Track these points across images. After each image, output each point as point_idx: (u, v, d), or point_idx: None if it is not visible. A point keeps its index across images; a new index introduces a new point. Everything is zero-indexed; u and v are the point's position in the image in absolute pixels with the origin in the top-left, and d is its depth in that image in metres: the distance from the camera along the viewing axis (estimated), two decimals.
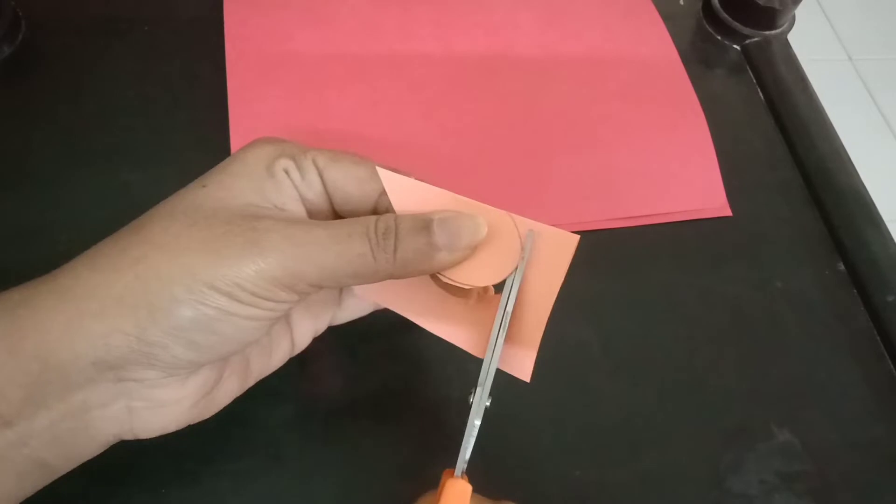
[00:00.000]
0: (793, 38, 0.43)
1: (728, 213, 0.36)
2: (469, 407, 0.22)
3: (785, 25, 0.43)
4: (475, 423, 0.22)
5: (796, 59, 0.42)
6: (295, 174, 0.23)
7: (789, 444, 0.29)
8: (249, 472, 0.26)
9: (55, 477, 0.22)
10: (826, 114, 0.40)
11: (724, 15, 0.42)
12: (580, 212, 0.34)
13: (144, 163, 0.33)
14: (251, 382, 0.25)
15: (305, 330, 0.26)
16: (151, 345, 0.20)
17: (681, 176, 0.36)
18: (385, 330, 0.30)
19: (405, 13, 0.40)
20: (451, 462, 0.22)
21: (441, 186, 0.23)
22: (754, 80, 0.42)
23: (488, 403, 0.22)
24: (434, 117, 0.36)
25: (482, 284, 0.23)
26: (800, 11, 0.43)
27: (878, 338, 0.33)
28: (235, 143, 0.33)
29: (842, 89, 1.38)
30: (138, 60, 0.37)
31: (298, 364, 0.29)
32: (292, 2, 0.39)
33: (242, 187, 0.22)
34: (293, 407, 0.28)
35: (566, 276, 0.23)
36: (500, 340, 0.22)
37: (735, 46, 0.43)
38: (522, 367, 0.23)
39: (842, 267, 0.35)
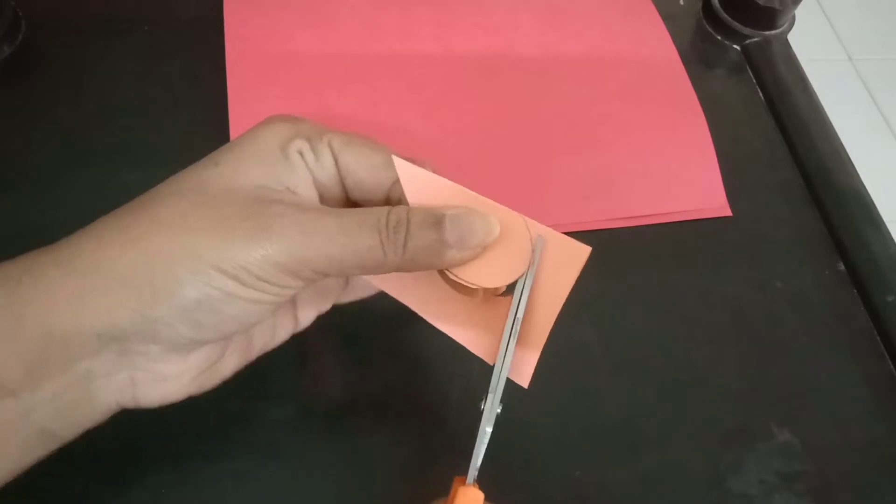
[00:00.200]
0: (793, 38, 0.43)
1: (728, 213, 0.36)
2: (480, 414, 0.22)
3: (785, 25, 0.43)
4: (487, 430, 0.21)
5: (796, 59, 0.42)
6: (309, 156, 0.23)
7: (789, 444, 0.29)
8: (249, 471, 0.26)
9: (59, 445, 0.22)
10: (826, 114, 0.40)
11: (724, 15, 0.42)
12: (580, 212, 0.34)
13: (144, 163, 0.33)
14: (253, 357, 0.25)
15: (310, 309, 0.26)
16: (154, 321, 0.20)
17: (681, 176, 0.36)
18: (385, 330, 0.30)
19: (405, 13, 0.40)
20: (452, 463, 0.22)
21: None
22: (754, 80, 0.42)
23: (499, 410, 0.22)
24: (434, 117, 0.36)
25: (489, 286, 0.22)
26: (800, 11, 0.43)
27: (878, 338, 0.33)
28: None
29: (842, 89, 1.38)
30: (138, 60, 0.37)
31: (298, 364, 0.29)
32: (292, 2, 0.39)
33: (254, 167, 0.22)
34: (293, 406, 0.28)
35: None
36: (512, 346, 0.22)
37: (735, 46, 0.43)
38: (521, 373, 0.23)
39: (842, 267, 0.35)
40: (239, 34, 0.37)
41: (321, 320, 0.30)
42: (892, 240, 0.35)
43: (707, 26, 0.43)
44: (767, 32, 0.42)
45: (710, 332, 0.32)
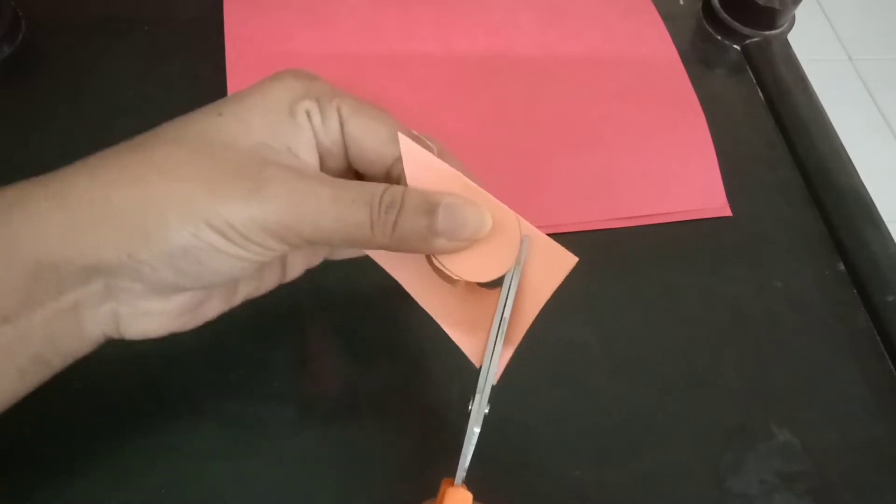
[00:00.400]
0: (793, 38, 0.43)
1: (728, 213, 0.36)
2: (468, 414, 0.22)
3: (785, 25, 0.43)
4: (475, 430, 0.21)
5: (796, 59, 0.42)
6: (316, 118, 0.22)
7: (789, 444, 0.29)
8: (249, 471, 0.26)
9: (53, 373, 0.22)
10: (826, 114, 0.40)
11: (724, 15, 0.42)
12: (580, 212, 0.34)
13: None
14: (237, 303, 0.25)
15: (300, 262, 0.26)
16: (140, 263, 0.20)
17: (681, 176, 0.36)
18: (385, 330, 0.30)
19: (405, 13, 0.40)
20: (452, 464, 0.22)
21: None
22: (754, 80, 0.42)
23: (487, 410, 0.22)
24: (434, 117, 0.36)
25: (470, 279, 0.22)
26: (800, 11, 0.43)
27: (878, 338, 0.33)
28: None
29: (842, 89, 1.38)
30: (138, 60, 0.37)
31: (298, 364, 0.29)
32: (292, 2, 0.39)
33: (258, 123, 0.22)
34: (293, 407, 0.28)
35: (565, 280, 0.23)
36: (499, 346, 0.22)
37: (735, 46, 0.43)
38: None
39: (842, 267, 0.35)
40: (239, 34, 0.37)
41: (322, 320, 0.30)
42: (892, 240, 0.35)
43: (707, 26, 0.43)
44: (767, 32, 0.42)
45: (710, 332, 0.32)
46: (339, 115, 0.23)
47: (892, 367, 0.32)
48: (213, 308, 0.24)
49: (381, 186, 0.21)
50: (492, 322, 0.23)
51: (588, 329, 0.31)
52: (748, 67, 0.42)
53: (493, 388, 0.23)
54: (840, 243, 0.35)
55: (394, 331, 0.30)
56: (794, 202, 0.37)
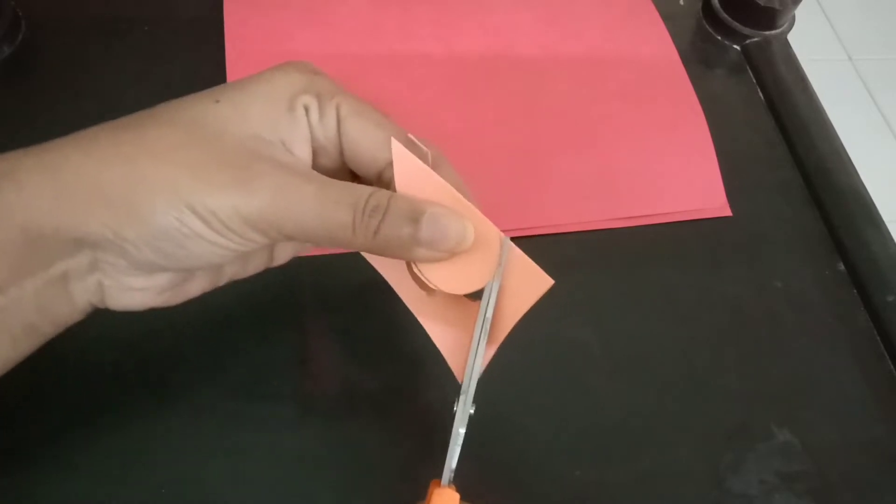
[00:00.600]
0: (793, 38, 0.43)
1: (728, 213, 0.36)
2: (453, 415, 0.22)
3: (785, 25, 0.43)
4: (460, 431, 0.21)
5: (796, 59, 0.42)
6: (314, 114, 0.23)
7: (789, 444, 0.29)
8: (249, 471, 0.26)
9: (44, 340, 0.22)
10: (826, 114, 0.40)
11: (724, 15, 0.42)
12: (580, 212, 0.34)
13: None
14: (222, 283, 0.25)
15: (287, 249, 0.26)
16: (124, 241, 0.20)
17: (681, 176, 0.36)
18: (385, 330, 0.30)
19: (405, 13, 0.40)
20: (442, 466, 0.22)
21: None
22: (754, 81, 0.42)
23: (472, 411, 0.22)
24: (434, 117, 0.36)
25: (446, 290, 0.23)
26: (800, 11, 0.43)
27: (878, 338, 0.33)
28: None
29: (842, 89, 1.38)
30: (138, 61, 0.37)
31: (298, 364, 0.29)
32: (292, 2, 0.39)
33: (255, 113, 0.22)
34: (293, 406, 0.28)
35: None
36: (482, 348, 0.22)
37: (735, 46, 0.43)
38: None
39: (842, 267, 0.35)
40: (239, 34, 0.37)
41: (322, 320, 0.30)
42: (892, 240, 0.35)
43: (707, 26, 0.43)
44: (767, 32, 0.42)
45: (710, 332, 0.32)
46: (338, 114, 0.23)
47: (892, 367, 0.32)
48: (197, 287, 0.24)
49: (367, 190, 0.21)
50: (471, 328, 0.23)
51: (588, 329, 0.31)
52: (748, 67, 0.42)
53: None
54: (840, 243, 0.35)
55: (394, 331, 0.30)
56: (794, 202, 0.37)
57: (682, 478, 0.28)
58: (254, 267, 0.26)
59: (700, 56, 0.42)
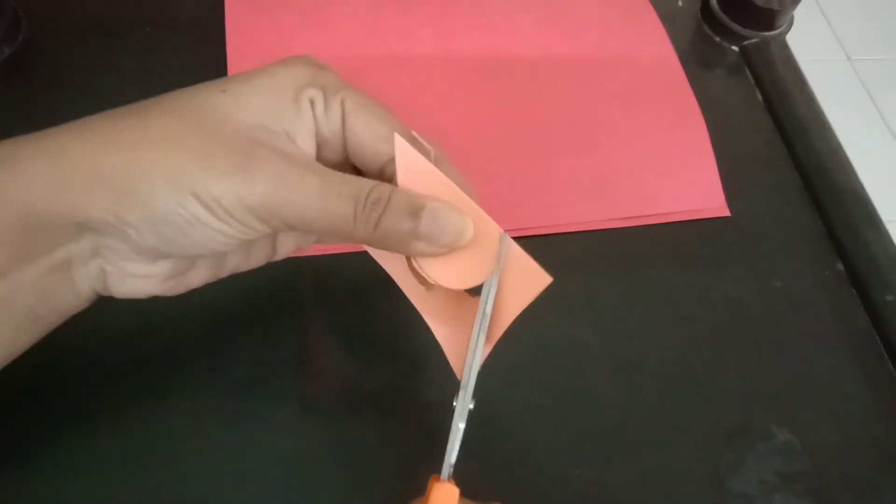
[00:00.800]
0: (791, 38, 0.43)
1: (726, 213, 0.36)
2: (453, 410, 0.22)
3: (783, 26, 0.43)
4: (459, 426, 0.22)
5: (795, 59, 0.42)
6: (319, 107, 0.23)
7: (789, 444, 0.29)
8: (249, 471, 0.26)
9: (48, 329, 0.22)
10: (825, 114, 0.40)
11: (723, 16, 0.42)
12: (580, 212, 0.34)
13: None
14: (224, 275, 0.25)
15: (290, 242, 0.26)
16: (126, 225, 0.20)
17: (679, 176, 0.37)
18: (385, 330, 0.30)
19: (405, 14, 0.40)
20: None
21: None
22: (753, 81, 0.42)
23: (472, 406, 0.22)
24: (434, 118, 0.36)
25: (444, 284, 0.23)
26: (799, 12, 0.43)
27: (878, 338, 0.33)
28: None
29: (841, 89, 1.38)
30: (138, 60, 0.37)
31: (298, 364, 0.29)
32: (293, 2, 0.39)
33: (260, 104, 0.22)
34: (293, 407, 0.28)
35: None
36: (481, 343, 0.22)
37: (733, 47, 0.43)
38: (462, 371, 0.24)
39: (841, 267, 0.35)
40: (239, 34, 0.37)
41: (322, 320, 0.30)
42: (892, 240, 0.35)
43: (706, 27, 0.43)
44: (766, 33, 0.42)
45: (710, 332, 0.32)
46: (342, 108, 0.23)
47: (892, 367, 0.32)
48: (199, 277, 0.24)
49: (369, 183, 0.22)
50: (471, 323, 0.23)
51: (588, 329, 0.31)
52: (747, 68, 0.42)
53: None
54: (839, 243, 0.35)
55: (394, 331, 0.30)
56: (793, 202, 0.37)
57: (682, 478, 0.28)
58: (256, 259, 0.26)
59: (699, 57, 0.42)
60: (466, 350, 0.23)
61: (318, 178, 0.21)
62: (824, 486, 0.28)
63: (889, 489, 0.29)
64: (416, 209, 0.21)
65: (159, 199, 0.20)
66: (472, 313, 0.23)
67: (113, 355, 0.28)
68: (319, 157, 0.24)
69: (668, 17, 0.42)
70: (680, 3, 0.45)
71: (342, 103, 0.23)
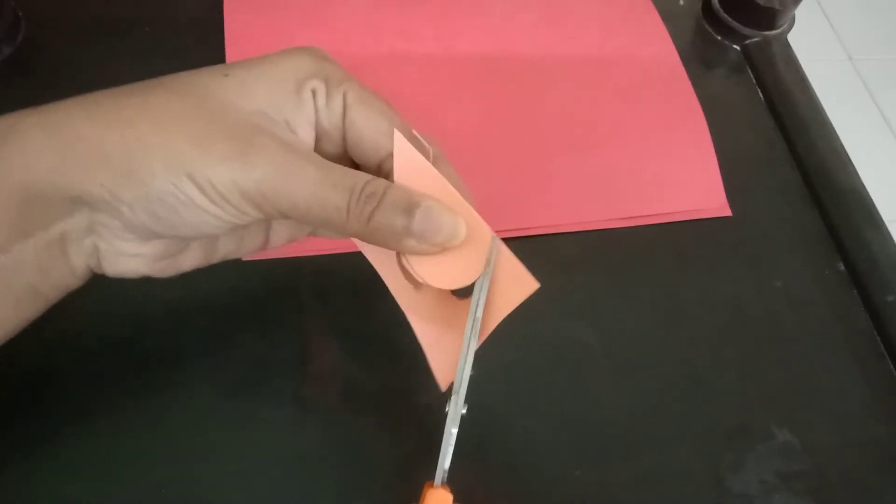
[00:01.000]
0: (793, 38, 0.43)
1: (728, 213, 0.36)
2: (445, 416, 0.22)
3: (785, 26, 0.43)
4: (452, 431, 0.22)
5: (796, 59, 0.42)
6: (321, 98, 0.23)
7: (789, 444, 0.29)
8: (249, 471, 0.26)
9: (47, 305, 0.22)
10: (826, 114, 0.40)
11: (724, 15, 0.42)
12: (580, 212, 0.34)
13: None
14: (215, 261, 0.25)
15: (284, 232, 0.26)
16: (120, 202, 0.20)
17: (680, 176, 0.36)
18: (385, 330, 0.30)
19: (405, 14, 0.40)
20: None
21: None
22: (754, 81, 0.42)
23: (464, 411, 0.22)
24: (434, 117, 0.36)
25: (433, 284, 0.23)
26: (800, 11, 0.43)
27: (878, 338, 0.33)
28: None
29: (842, 89, 1.38)
30: (138, 61, 0.37)
31: (298, 364, 0.29)
32: (292, 2, 0.39)
33: (262, 92, 0.22)
34: (293, 407, 0.28)
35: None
36: (473, 347, 0.22)
37: (735, 47, 0.43)
38: (444, 376, 0.24)
39: (842, 267, 0.35)
40: (239, 34, 0.37)
41: (322, 320, 0.30)
42: (892, 240, 0.35)
43: (707, 26, 0.43)
44: (767, 33, 0.42)
45: (710, 332, 0.32)
46: (344, 100, 0.23)
47: (892, 367, 0.32)
48: (191, 260, 0.25)
49: (365, 176, 0.22)
50: (454, 325, 0.23)
51: (588, 329, 0.31)
52: (748, 68, 0.42)
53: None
54: (840, 243, 0.35)
55: (394, 331, 0.30)
56: (794, 202, 0.37)
57: (682, 478, 0.28)
58: (248, 246, 0.26)
59: (700, 56, 0.42)
60: (447, 352, 0.23)
61: (315, 167, 0.21)
62: (824, 486, 0.28)
63: (889, 489, 0.29)
64: (410, 206, 0.22)
65: (155, 179, 0.20)
66: (457, 315, 0.23)
67: (113, 355, 0.28)
68: (318, 149, 0.24)
69: (669, 16, 0.42)
70: (681, 2, 0.45)
71: (344, 96, 0.23)
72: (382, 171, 0.23)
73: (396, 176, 0.23)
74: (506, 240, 0.23)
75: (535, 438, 0.28)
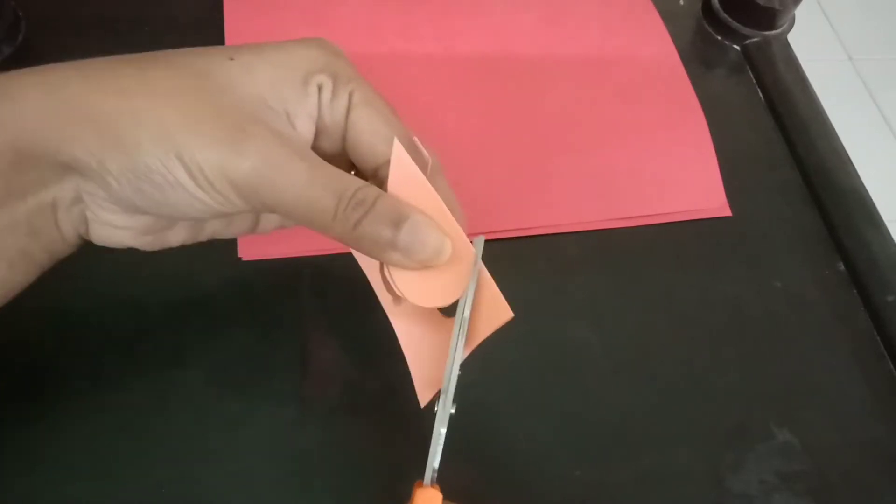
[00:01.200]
0: (793, 38, 0.43)
1: (728, 213, 0.36)
2: (434, 415, 0.22)
3: (785, 26, 0.43)
4: (441, 431, 0.21)
5: (796, 59, 0.42)
6: (326, 94, 0.22)
7: (789, 444, 0.29)
8: (249, 471, 0.26)
9: (39, 271, 0.22)
10: (826, 114, 0.40)
11: (724, 15, 0.42)
12: (580, 212, 0.34)
13: None
14: (202, 239, 0.25)
15: (273, 219, 0.26)
16: (107, 172, 0.20)
17: (680, 176, 0.36)
18: (385, 330, 0.30)
19: (405, 14, 0.40)
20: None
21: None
22: (754, 81, 0.42)
23: (453, 410, 0.22)
24: (434, 118, 0.36)
25: (411, 300, 0.23)
26: (800, 11, 0.43)
27: (878, 338, 0.33)
28: None
29: (842, 89, 1.38)
30: None
31: (298, 364, 0.29)
32: (292, 2, 0.39)
33: (266, 79, 0.22)
34: (293, 407, 0.28)
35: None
36: (460, 347, 0.22)
37: (735, 46, 0.43)
38: (423, 394, 0.24)
39: (842, 267, 0.35)
40: (239, 34, 0.37)
41: (322, 320, 0.30)
42: (892, 240, 0.35)
43: (707, 26, 0.43)
44: (767, 33, 0.42)
45: (710, 332, 0.32)
46: (350, 100, 0.23)
47: (892, 367, 0.32)
48: (177, 237, 0.24)
49: (357, 182, 0.21)
50: (436, 339, 0.23)
51: (588, 329, 0.31)
52: (748, 68, 0.42)
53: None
54: (840, 243, 0.35)
55: (394, 331, 0.30)
56: (794, 202, 0.37)
57: (682, 478, 0.28)
58: (236, 229, 0.25)
59: (700, 56, 0.42)
60: (430, 362, 0.23)
61: (307, 165, 0.21)
62: (824, 486, 0.28)
63: (889, 489, 0.29)
64: (399, 218, 0.21)
65: (143, 154, 0.20)
66: (439, 329, 0.23)
67: (113, 356, 0.28)
68: (316, 145, 0.24)
69: (669, 16, 0.42)
70: (681, 2, 0.45)
71: (350, 95, 0.23)
72: (378, 176, 0.23)
73: (390, 185, 0.22)
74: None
75: (534, 438, 0.28)
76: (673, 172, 0.36)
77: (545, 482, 0.27)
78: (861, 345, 0.32)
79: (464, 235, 0.23)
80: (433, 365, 0.24)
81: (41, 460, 0.26)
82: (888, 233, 0.35)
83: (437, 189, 0.22)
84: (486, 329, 0.23)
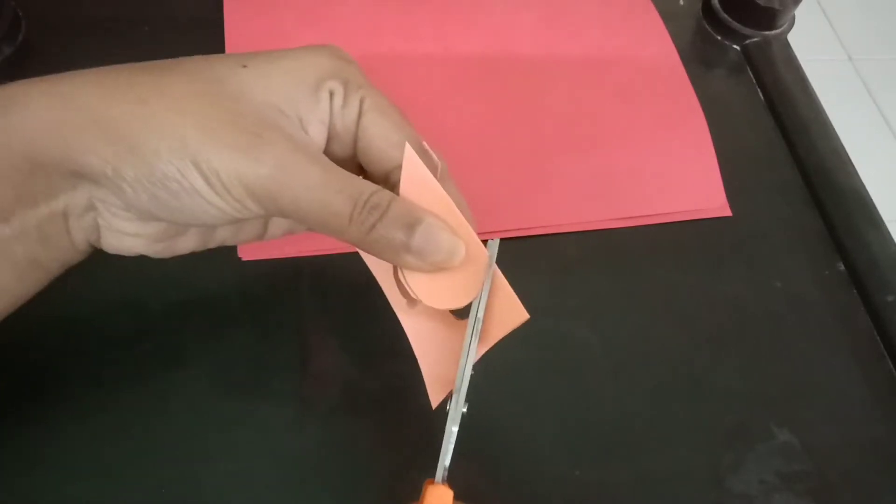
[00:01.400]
0: (793, 38, 0.43)
1: (728, 213, 0.36)
2: (446, 414, 0.22)
3: (785, 25, 0.43)
4: (452, 429, 0.22)
5: (796, 59, 0.42)
6: (337, 100, 0.23)
7: (789, 444, 0.29)
8: (249, 471, 0.26)
9: (48, 279, 0.22)
10: (826, 114, 0.40)
11: (724, 15, 0.42)
12: (580, 212, 0.34)
13: None
14: (212, 245, 0.25)
15: (281, 225, 0.26)
16: (122, 180, 0.20)
17: (680, 176, 0.36)
18: (385, 330, 0.30)
19: (405, 14, 0.40)
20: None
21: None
22: (754, 81, 0.42)
23: (465, 410, 0.22)
24: (434, 118, 0.36)
25: (426, 302, 0.23)
26: (800, 11, 0.43)
27: (878, 338, 0.33)
28: None
29: (842, 89, 1.38)
30: (138, 61, 0.37)
31: (298, 364, 0.29)
32: (292, 2, 0.39)
33: (279, 86, 0.22)
34: (293, 407, 0.28)
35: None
36: (474, 346, 0.22)
37: (735, 46, 0.43)
38: (435, 390, 0.24)
39: (842, 267, 0.35)
40: (239, 34, 0.37)
41: (322, 320, 0.30)
42: (892, 240, 0.35)
43: (707, 26, 0.43)
44: (767, 32, 0.42)
45: (710, 332, 0.32)
46: (361, 106, 0.23)
47: (892, 367, 0.32)
48: (188, 244, 0.25)
49: (371, 186, 0.22)
50: (449, 342, 0.23)
51: (588, 329, 0.31)
52: (748, 67, 0.42)
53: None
54: (840, 243, 0.35)
55: (394, 331, 0.30)
56: (794, 202, 0.37)
57: (682, 478, 0.28)
58: (245, 235, 0.26)
59: (700, 56, 0.42)
60: (442, 365, 0.23)
61: (322, 170, 0.21)
62: (824, 486, 0.28)
63: (889, 489, 0.29)
64: (412, 221, 0.21)
65: (160, 161, 0.20)
66: (451, 330, 0.23)
67: (113, 356, 0.28)
68: (327, 150, 0.24)
69: (669, 16, 0.42)
70: (681, 2, 0.45)
71: (361, 101, 0.23)
72: (389, 181, 0.23)
73: (402, 190, 0.22)
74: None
75: (535, 438, 0.28)
76: (673, 172, 0.36)
77: (545, 482, 0.27)
78: (861, 345, 0.32)
79: (476, 237, 0.23)
80: (444, 366, 0.24)
81: (41, 460, 0.26)
82: (888, 233, 0.35)
83: (447, 192, 0.23)
84: (500, 330, 0.23)
